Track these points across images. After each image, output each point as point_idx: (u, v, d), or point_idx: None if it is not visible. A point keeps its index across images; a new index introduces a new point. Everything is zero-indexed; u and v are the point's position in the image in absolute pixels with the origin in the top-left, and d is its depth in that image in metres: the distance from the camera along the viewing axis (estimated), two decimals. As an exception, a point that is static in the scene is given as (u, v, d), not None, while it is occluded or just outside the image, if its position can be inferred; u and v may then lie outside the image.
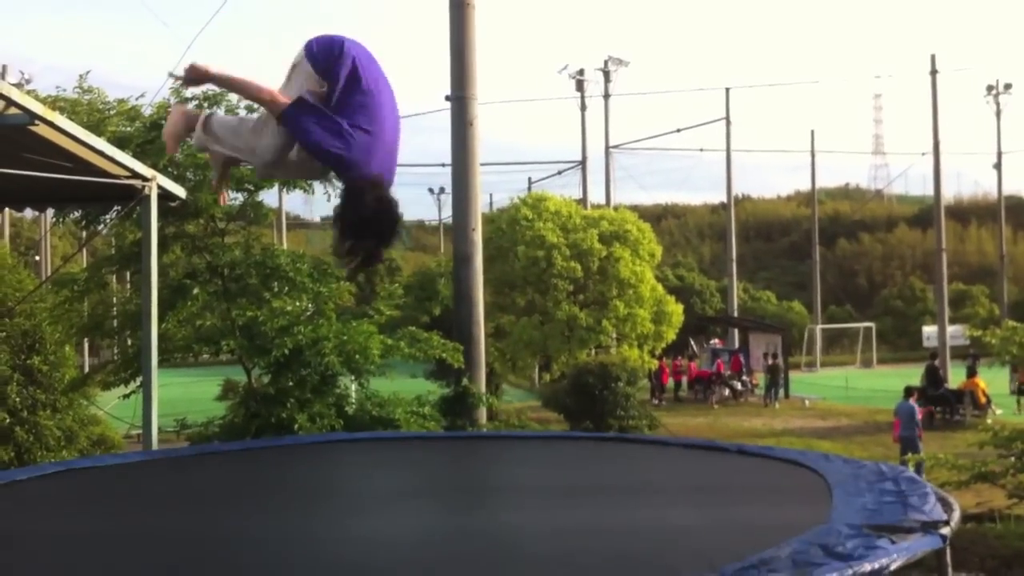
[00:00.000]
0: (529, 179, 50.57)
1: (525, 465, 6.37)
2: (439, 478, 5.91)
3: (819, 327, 49.66)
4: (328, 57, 3.82)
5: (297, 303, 11.62)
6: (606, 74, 43.29)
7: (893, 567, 3.56)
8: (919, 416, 16.27)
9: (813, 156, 51.20)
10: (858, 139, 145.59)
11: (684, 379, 33.26)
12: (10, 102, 6.88)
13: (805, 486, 5.07)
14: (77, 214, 12.31)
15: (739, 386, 31.26)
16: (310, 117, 3.74)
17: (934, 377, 24.98)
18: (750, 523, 4.28)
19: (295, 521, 4.73)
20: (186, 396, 18.81)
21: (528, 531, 4.53)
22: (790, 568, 3.33)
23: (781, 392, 30.63)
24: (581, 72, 43.46)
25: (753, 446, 6.58)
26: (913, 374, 26.75)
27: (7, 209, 18.85)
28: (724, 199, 47.86)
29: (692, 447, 6.57)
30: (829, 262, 64.41)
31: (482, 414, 13.20)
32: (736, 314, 43.01)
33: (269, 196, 13.11)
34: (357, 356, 10.99)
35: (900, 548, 3.63)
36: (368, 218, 3.73)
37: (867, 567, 3.44)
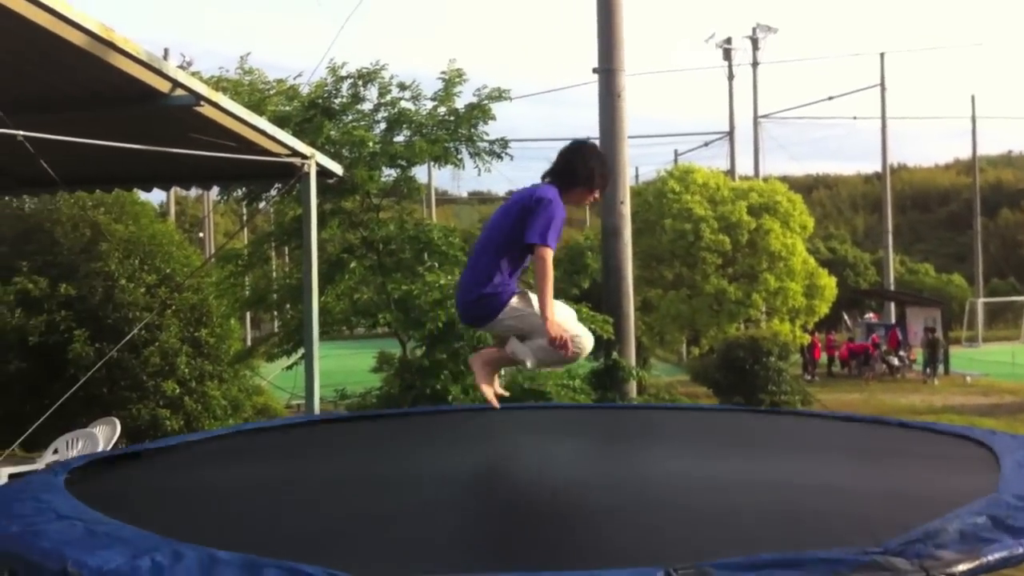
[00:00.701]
0: (675, 151, 50.02)
1: (688, 435, 6.35)
2: (595, 444, 5.94)
3: (981, 300, 47.71)
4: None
5: (450, 276, 11.82)
6: (754, 42, 42.41)
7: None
8: None
9: (974, 122, 49.21)
10: (1022, 104, 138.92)
11: (836, 354, 32.47)
12: (177, 84, 7.20)
13: (971, 457, 4.92)
14: (240, 192, 12.79)
15: (896, 361, 30.31)
16: None
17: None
18: (913, 493, 4.17)
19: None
20: (343, 368, 19.31)
21: (695, 491, 4.54)
22: (958, 542, 3.25)
23: (941, 368, 29.60)
24: (728, 40, 42.66)
25: (916, 421, 6.40)
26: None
27: (173, 188, 19.68)
28: (879, 168, 46.42)
29: (852, 420, 6.43)
30: (991, 233, 61.76)
31: (632, 387, 13.19)
32: (892, 287, 41.68)
33: (419, 172, 13.36)
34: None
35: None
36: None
37: (1039, 543, 3.33)
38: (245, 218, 16.77)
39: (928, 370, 29.07)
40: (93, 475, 4.85)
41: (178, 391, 12.57)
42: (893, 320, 35.64)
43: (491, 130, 12.33)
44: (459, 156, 12.24)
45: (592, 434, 6.21)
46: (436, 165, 12.56)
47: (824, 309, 27.93)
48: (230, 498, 4.70)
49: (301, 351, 10.66)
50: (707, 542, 3.71)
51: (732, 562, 3.07)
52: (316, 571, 3.08)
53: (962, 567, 3.11)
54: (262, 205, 12.75)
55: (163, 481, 4.95)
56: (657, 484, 4.90)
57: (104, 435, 8.88)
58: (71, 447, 8.74)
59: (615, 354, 12.89)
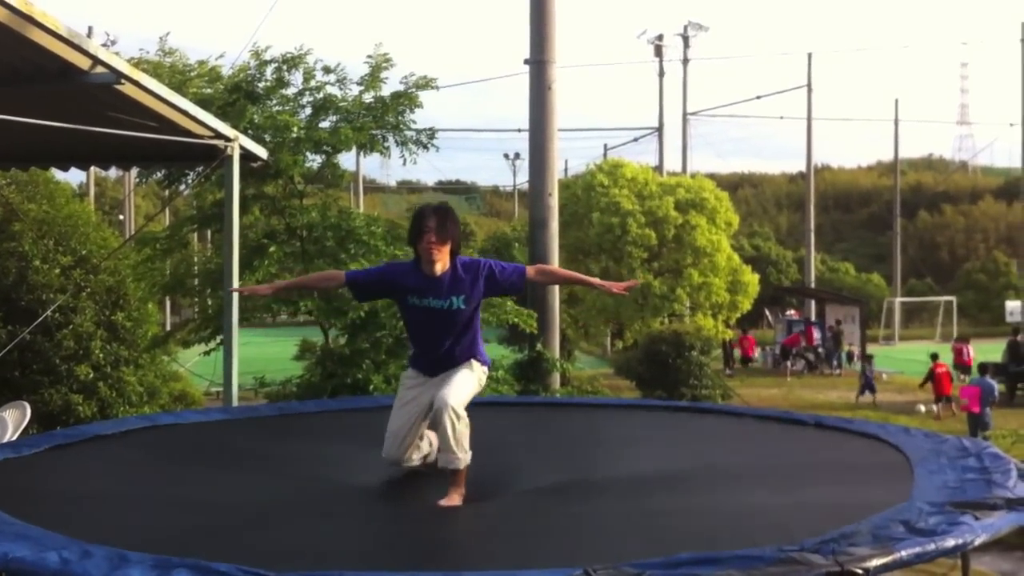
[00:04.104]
0: (605, 146, 50.19)
1: (608, 432, 6.37)
2: (519, 440, 5.93)
3: (898, 300, 48.71)
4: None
5: (373, 265, 11.72)
6: (685, 39, 42.68)
7: (976, 543, 3.51)
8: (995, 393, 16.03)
9: (896, 125, 50.15)
10: (943, 108, 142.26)
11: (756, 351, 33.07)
12: (97, 60, 7.01)
13: (886, 463, 5.00)
14: (160, 174, 12.53)
15: (812, 357, 30.85)
16: None
17: (1016, 353, 24.38)
18: (829, 501, 4.23)
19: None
20: (263, 355, 19.09)
21: (614, 491, 4.56)
22: (871, 542, 3.30)
23: (845, 361, 30.45)
24: (660, 37, 42.89)
25: (831, 418, 6.50)
26: (995, 349, 26.10)
27: (92, 168, 19.25)
28: (802, 168, 47.16)
29: (771, 419, 6.51)
30: (910, 234, 63.16)
31: (556, 379, 13.22)
32: (813, 285, 42.38)
33: (346, 160, 13.22)
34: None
35: (984, 525, 3.57)
36: None
37: (950, 542, 3.39)
38: (166, 200, 16.45)
39: (832, 361, 29.87)
40: (1, 471, 4.71)
41: (92, 376, 12.27)
42: (813, 317, 36.24)
43: (418, 119, 12.25)
44: (386, 144, 12.13)
45: (515, 431, 6.21)
46: (362, 153, 12.42)
47: (747, 305, 28.30)
48: (138, 497, 4.61)
49: (220, 338, 10.49)
50: (626, 542, 3.72)
51: (652, 562, 3.07)
52: (229, 569, 3.02)
53: (876, 562, 3.16)
54: (183, 188, 12.51)
55: (72, 479, 4.83)
56: (577, 483, 4.91)
57: (13, 419, 8.63)
58: (-22, 432, 8.48)
59: (539, 346, 12.90)
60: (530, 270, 5.06)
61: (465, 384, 4.77)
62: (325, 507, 4.51)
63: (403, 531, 4.30)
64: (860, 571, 3.09)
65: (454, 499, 4.61)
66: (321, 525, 4.16)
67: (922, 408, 20.86)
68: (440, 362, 4.87)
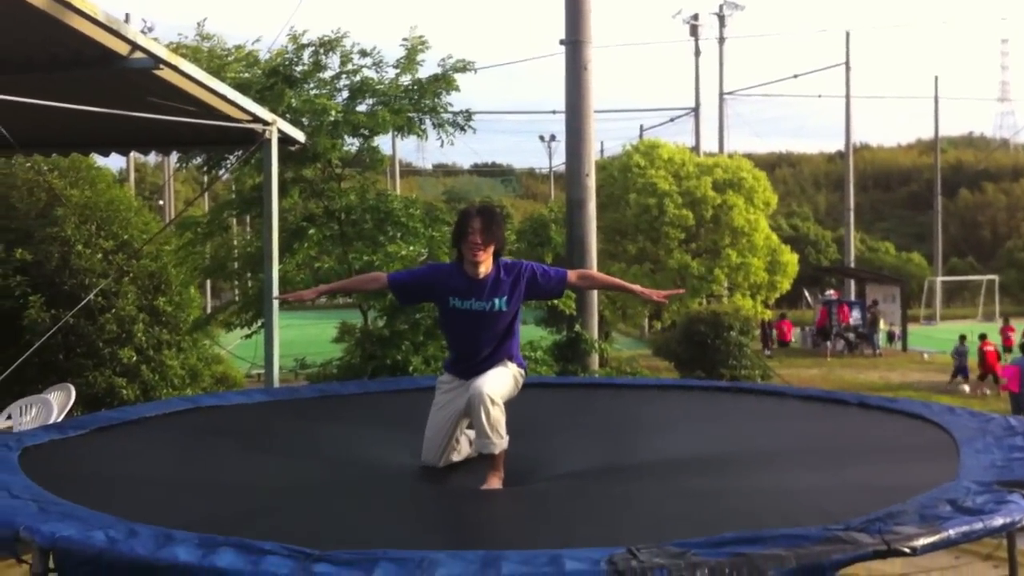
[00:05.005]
0: (641, 127, 49.96)
1: (652, 412, 6.36)
2: (559, 421, 5.93)
3: (939, 279, 48.20)
4: None
5: (411, 247, 11.73)
6: (721, 18, 42.38)
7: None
8: None
9: (936, 103, 49.57)
10: (984, 85, 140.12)
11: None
12: (135, 46, 7.05)
13: (930, 443, 4.95)
14: (199, 159, 12.60)
15: (853, 337, 30.60)
16: None
17: (1058, 331, 24.09)
18: (874, 481, 4.19)
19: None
20: (304, 338, 19.22)
21: (658, 472, 4.54)
22: (917, 522, 3.26)
23: (887, 341, 30.20)
24: (695, 17, 42.60)
25: (875, 398, 6.44)
26: (1038, 328, 25.80)
27: (132, 154, 19.41)
28: (841, 147, 46.69)
29: (813, 399, 6.46)
30: (951, 213, 62.41)
31: (594, 360, 13.19)
32: (853, 265, 42.01)
33: (383, 143, 13.23)
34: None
35: (1033, 505, 3.51)
36: None
37: (998, 521, 3.35)
38: (205, 185, 16.54)
39: (871, 341, 29.63)
40: (47, 453, 4.77)
41: (135, 359, 12.41)
42: (852, 297, 35.95)
43: (454, 101, 12.26)
44: (422, 127, 12.14)
45: (554, 412, 6.21)
46: (399, 135, 12.42)
47: (786, 285, 28.14)
48: (182, 478, 4.65)
49: (261, 321, 10.55)
50: (668, 523, 3.71)
51: (696, 541, 3.06)
52: (274, 547, 3.04)
53: (923, 541, 3.13)
54: (222, 173, 12.57)
55: (116, 460, 4.89)
56: (618, 464, 4.90)
57: (58, 402, 8.75)
58: (24, 413, 8.60)
59: (577, 326, 12.87)
60: (571, 275, 5.01)
61: (501, 376, 4.74)
62: (366, 489, 4.53)
63: (444, 513, 4.32)
64: (907, 550, 3.06)
65: (493, 482, 4.61)
66: (363, 507, 4.18)
67: (966, 388, 20.65)
68: (478, 367, 4.80)
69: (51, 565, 3.19)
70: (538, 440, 5.32)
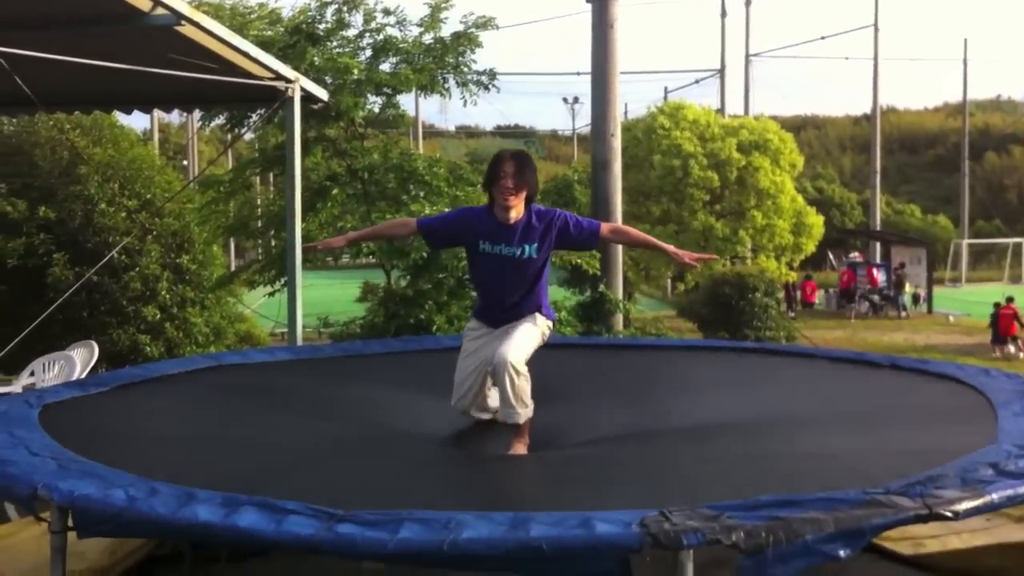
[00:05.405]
0: (665, 89, 49.47)
1: (681, 374, 6.26)
2: (585, 383, 5.84)
3: (965, 242, 47.67)
4: None
5: (435, 207, 11.63)
6: (748, -22, 41.74)
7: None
8: None
9: (965, 65, 48.82)
10: (1013, 48, 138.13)
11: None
12: (157, 2, 6.93)
13: (966, 405, 4.84)
14: (222, 119, 12.53)
15: (877, 299, 30.34)
16: None
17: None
18: (910, 445, 4.08)
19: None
20: (327, 297, 19.20)
21: (691, 435, 4.46)
22: (959, 485, 3.16)
23: (912, 303, 29.93)
24: (722, -24, 41.99)
25: (907, 359, 6.31)
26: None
27: (156, 113, 19.35)
28: (866, 110, 46.15)
29: (843, 360, 6.35)
30: (977, 176, 61.56)
31: (618, 321, 13.10)
32: (879, 227, 41.61)
33: (406, 103, 13.14)
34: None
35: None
36: None
37: (1043, 485, 3.24)
38: (228, 142, 16.47)
39: (897, 303, 29.36)
40: (68, 410, 4.73)
41: (159, 317, 12.43)
42: (878, 259, 35.64)
43: (477, 61, 12.15)
44: (446, 86, 12.02)
45: (580, 373, 6.09)
46: (422, 94, 12.31)
47: (811, 247, 27.85)
48: (204, 436, 4.59)
49: (283, 279, 10.51)
50: (700, 486, 3.62)
51: (731, 504, 2.97)
52: (297, 507, 2.98)
53: (966, 505, 3.03)
54: (245, 131, 12.49)
55: (138, 418, 4.83)
56: (646, 427, 4.81)
57: (81, 358, 8.72)
58: (48, 370, 8.59)
59: (602, 287, 12.77)
60: (604, 228, 4.90)
61: (527, 338, 4.64)
62: (389, 450, 4.47)
63: (469, 476, 4.25)
64: (949, 514, 2.97)
65: (519, 447, 4.55)
66: (386, 468, 4.12)
67: (997, 353, 20.45)
68: (505, 314, 4.72)
69: (69, 523, 3.14)
70: (564, 403, 5.24)
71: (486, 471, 4.31)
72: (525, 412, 4.53)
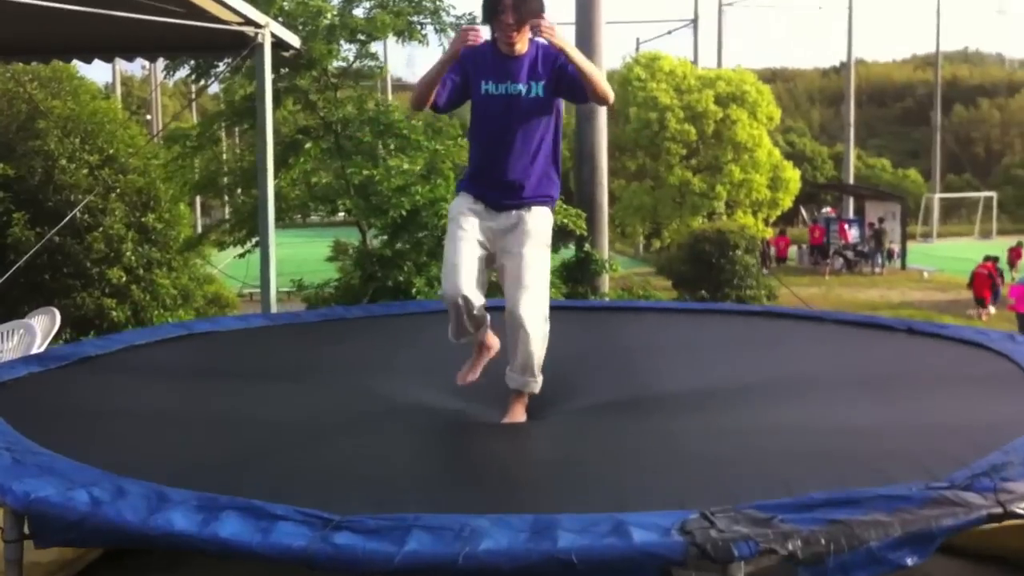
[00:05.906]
0: (637, 40, 48.86)
1: (680, 338, 5.91)
2: (574, 348, 5.44)
3: (937, 196, 47.63)
4: None
5: (412, 164, 11.18)
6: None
7: None
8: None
9: (938, 17, 48.60)
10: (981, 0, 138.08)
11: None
12: (118, -59, 6.46)
13: (997, 374, 4.52)
14: (186, 71, 11.96)
15: (851, 255, 30.19)
16: None
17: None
18: (951, 420, 3.74)
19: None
20: (297, 256, 18.73)
21: (691, 409, 4.09)
22: (1028, 475, 2.83)
23: (893, 261, 29.80)
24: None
25: (924, 323, 5.99)
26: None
27: (117, 64, 18.71)
28: (835, 62, 45.82)
29: (853, 324, 6.01)
30: (946, 129, 61.39)
31: (604, 281, 12.75)
32: (852, 182, 41.47)
33: (380, 52, 12.59)
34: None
35: None
36: None
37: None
38: (194, 94, 15.90)
39: (875, 260, 29.20)
40: (24, 389, 4.31)
41: (124, 279, 11.93)
42: (851, 214, 35.48)
43: (456, 4, 11.65)
44: (423, 32, 11.51)
45: (568, 338, 5.55)
46: (399, 41, 11.76)
47: (787, 202, 27.64)
48: (176, 415, 4.16)
49: (254, 239, 10.06)
50: (729, 466, 3.26)
51: (782, 503, 2.62)
52: (287, 512, 2.60)
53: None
54: (211, 81, 11.95)
55: (102, 396, 4.39)
56: (657, 394, 4.43)
57: (42, 327, 8.23)
58: (6, 340, 8.11)
59: (587, 246, 12.40)
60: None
61: (540, 276, 4.12)
62: (378, 424, 4.09)
63: (467, 453, 3.89)
64: (1026, 512, 2.63)
65: (517, 414, 4.16)
66: (376, 445, 3.76)
67: (972, 312, 20.25)
68: (507, 187, 4.11)
69: (26, 531, 2.74)
70: (556, 368, 4.83)
71: (484, 445, 3.96)
72: (539, 382, 4.15)
